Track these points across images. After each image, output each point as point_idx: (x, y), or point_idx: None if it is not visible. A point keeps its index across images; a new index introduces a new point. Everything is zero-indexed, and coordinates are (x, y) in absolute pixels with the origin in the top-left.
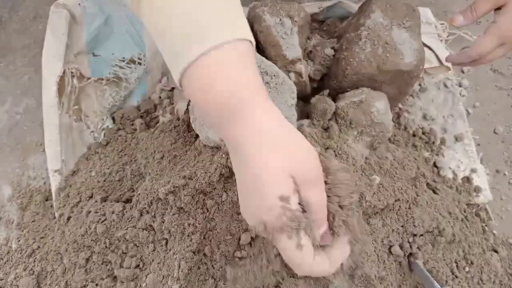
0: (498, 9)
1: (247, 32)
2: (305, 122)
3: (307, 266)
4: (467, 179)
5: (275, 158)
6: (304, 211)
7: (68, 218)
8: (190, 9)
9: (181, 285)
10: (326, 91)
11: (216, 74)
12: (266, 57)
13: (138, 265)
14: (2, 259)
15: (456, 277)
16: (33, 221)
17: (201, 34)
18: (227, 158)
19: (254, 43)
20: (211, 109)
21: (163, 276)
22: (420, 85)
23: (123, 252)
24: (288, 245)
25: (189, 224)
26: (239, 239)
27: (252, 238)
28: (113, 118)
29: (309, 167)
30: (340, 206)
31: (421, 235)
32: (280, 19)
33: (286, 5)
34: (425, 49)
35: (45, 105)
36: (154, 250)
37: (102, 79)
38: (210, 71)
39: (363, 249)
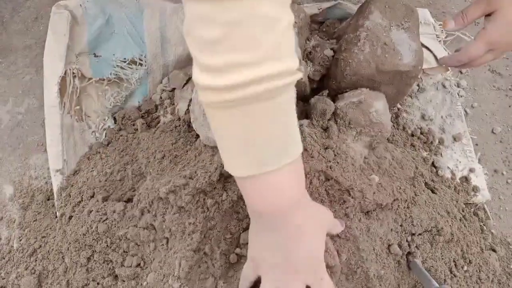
0: (488, 15)
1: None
2: (305, 122)
3: None
4: (465, 179)
5: (318, 241)
6: None
7: (70, 218)
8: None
9: (182, 283)
10: (326, 92)
11: (282, 184)
12: None
13: (139, 264)
14: (4, 259)
15: (455, 276)
16: (34, 221)
17: (284, 148)
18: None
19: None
20: (263, 211)
21: (164, 275)
22: (418, 85)
23: (124, 251)
24: None
25: (189, 223)
26: (239, 238)
27: None
28: (115, 118)
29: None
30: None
31: (420, 234)
32: None
33: None
34: (424, 49)
35: (47, 105)
36: (155, 249)
37: (104, 80)
38: (277, 185)
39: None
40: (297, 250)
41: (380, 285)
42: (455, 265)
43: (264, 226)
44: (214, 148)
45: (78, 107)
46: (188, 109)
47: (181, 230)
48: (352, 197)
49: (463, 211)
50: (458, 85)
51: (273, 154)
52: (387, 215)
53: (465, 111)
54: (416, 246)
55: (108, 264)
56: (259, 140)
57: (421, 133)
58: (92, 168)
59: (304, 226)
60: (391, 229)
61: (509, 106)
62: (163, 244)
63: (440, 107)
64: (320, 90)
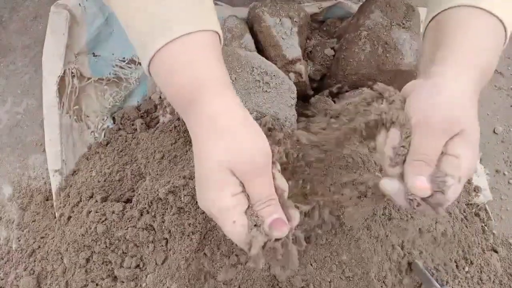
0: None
1: (212, 24)
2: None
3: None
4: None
5: (218, 148)
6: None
7: (69, 218)
8: (155, 3)
9: (181, 285)
10: (326, 91)
11: (178, 62)
12: (266, 57)
13: (138, 265)
14: (3, 259)
15: (456, 277)
16: (33, 221)
17: (167, 26)
18: None
19: (221, 34)
20: (174, 97)
21: (163, 276)
22: None
23: (123, 252)
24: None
25: (189, 224)
26: None
27: None
28: (114, 118)
29: (251, 159)
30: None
31: (421, 235)
32: (280, 20)
33: (286, 5)
34: None
35: (46, 105)
36: (154, 250)
37: (103, 79)
38: (173, 60)
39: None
40: (199, 161)
41: (381, 286)
42: (457, 266)
43: (184, 118)
44: None
45: (77, 107)
46: None
47: (181, 231)
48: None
49: (464, 211)
50: None
51: (159, 28)
52: (388, 216)
53: None
54: (418, 247)
55: (107, 265)
56: (139, 17)
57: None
58: (91, 168)
59: (218, 121)
60: (393, 230)
61: (511, 106)
62: (162, 245)
63: None
64: (321, 90)
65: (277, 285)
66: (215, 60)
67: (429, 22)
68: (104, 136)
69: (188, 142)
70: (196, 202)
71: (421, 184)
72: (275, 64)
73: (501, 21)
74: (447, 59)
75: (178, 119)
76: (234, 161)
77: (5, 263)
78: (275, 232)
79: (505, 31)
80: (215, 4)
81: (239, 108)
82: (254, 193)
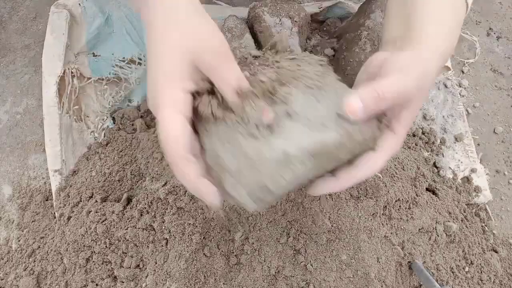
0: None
1: None
2: None
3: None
4: (467, 179)
5: (175, 36)
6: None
7: (68, 218)
8: None
9: (181, 285)
10: None
11: None
12: None
13: (138, 265)
14: (2, 259)
15: (456, 277)
16: (33, 221)
17: None
18: None
19: None
20: None
21: (163, 276)
22: None
23: (123, 252)
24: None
25: (189, 224)
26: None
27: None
28: (113, 118)
29: (219, 43)
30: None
31: (421, 235)
32: (280, 19)
33: (286, 5)
34: None
35: (45, 105)
36: (154, 250)
37: (102, 79)
38: None
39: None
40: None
41: (381, 286)
42: (457, 266)
43: (141, 10)
44: None
45: (77, 107)
46: None
47: (181, 231)
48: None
49: (464, 211)
50: (460, 85)
51: None
52: (388, 216)
53: (467, 111)
54: (418, 247)
55: (107, 265)
56: None
57: (423, 133)
58: (91, 168)
59: (180, 10)
60: (392, 230)
61: (511, 106)
62: (162, 245)
63: (442, 107)
64: None
65: (277, 284)
66: None
67: None
68: (104, 136)
69: None
70: (196, 202)
71: (354, 105)
72: None
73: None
74: (419, 42)
75: None
76: (200, 46)
77: (5, 263)
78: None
79: (467, 6)
80: (215, 4)
81: (198, 3)
82: (224, 78)
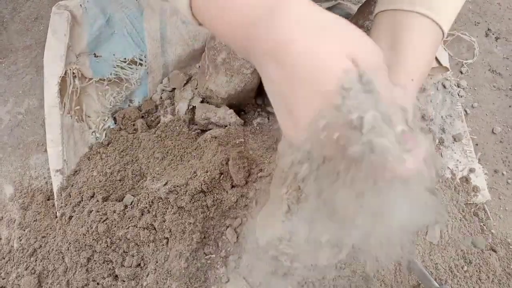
0: None
1: None
2: None
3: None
4: (466, 179)
5: (327, 43)
6: None
7: (70, 218)
8: None
9: (181, 283)
10: None
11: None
12: None
13: (139, 264)
14: (4, 258)
15: (455, 276)
16: (34, 221)
17: None
18: (227, 159)
19: None
20: (234, 25)
21: (164, 275)
22: None
23: (124, 251)
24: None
25: (189, 223)
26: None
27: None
28: (115, 119)
29: (370, 50)
30: None
31: (420, 234)
32: None
33: None
34: None
35: (47, 106)
36: (155, 249)
37: (104, 80)
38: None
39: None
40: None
41: (380, 285)
42: (455, 265)
43: (249, 47)
44: (214, 148)
45: (78, 107)
46: (188, 109)
47: (181, 230)
48: None
49: (463, 211)
50: (458, 85)
51: None
52: None
53: (465, 111)
54: (417, 246)
55: (108, 264)
56: None
57: None
58: (92, 168)
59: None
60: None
61: (509, 106)
62: (163, 244)
63: (440, 107)
64: None
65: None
66: None
67: (382, 11)
68: (105, 136)
69: (188, 142)
70: (196, 201)
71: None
72: None
73: (442, 30)
74: (405, 69)
75: (179, 119)
76: (355, 52)
77: (7, 262)
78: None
79: (443, 35)
80: None
81: (327, 11)
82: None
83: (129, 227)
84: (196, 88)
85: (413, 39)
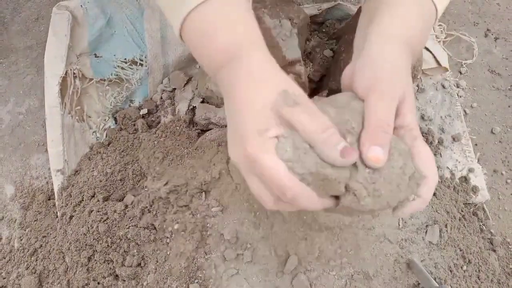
0: None
1: None
2: None
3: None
4: (465, 179)
5: (258, 92)
6: None
7: (71, 217)
8: None
9: (182, 283)
10: (325, 92)
11: (215, 21)
12: None
13: (140, 264)
14: (5, 258)
15: (454, 275)
16: (35, 220)
17: None
18: (227, 159)
19: None
20: (211, 56)
21: (164, 275)
22: (418, 85)
23: (124, 251)
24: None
25: (190, 223)
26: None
27: None
28: (115, 119)
29: (298, 88)
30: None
31: (419, 234)
32: (280, 21)
33: (285, 7)
34: (423, 50)
35: (48, 106)
36: (155, 249)
37: (104, 80)
38: (209, 19)
39: None
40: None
41: (380, 285)
42: (455, 264)
43: (218, 76)
44: (215, 148)
45: (79, 108)
46: (188, 109)
47: (182, 229)
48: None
49: (462, 211)
50: (458, 85)
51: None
52: (386, 215)
53: (465, 111)
54: (416, 246)
55: (108, 263)
56: None
57: (421, 133)
58: (93, 168)
59: (261, 72)
60: (390, 229)
61: (509, 106)
62: (163, 244)
63: (440, 107)
64: (320, 90)
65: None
66: (250, 17)
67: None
68: (106, 136)
69: (188, 142)
70: (197, 200)
71: (375, 155)
72: None
73: (434, 5)
74: (382, 35)
75: (179, 119)
76: (288, 87)
77: (7, 262)
78: (347, 158)
79: (436, 11)
80: None
81: (275, 64)
82: (307, 123)
83: (129, 226)
84: (197, 89)
85: (395, 2)
